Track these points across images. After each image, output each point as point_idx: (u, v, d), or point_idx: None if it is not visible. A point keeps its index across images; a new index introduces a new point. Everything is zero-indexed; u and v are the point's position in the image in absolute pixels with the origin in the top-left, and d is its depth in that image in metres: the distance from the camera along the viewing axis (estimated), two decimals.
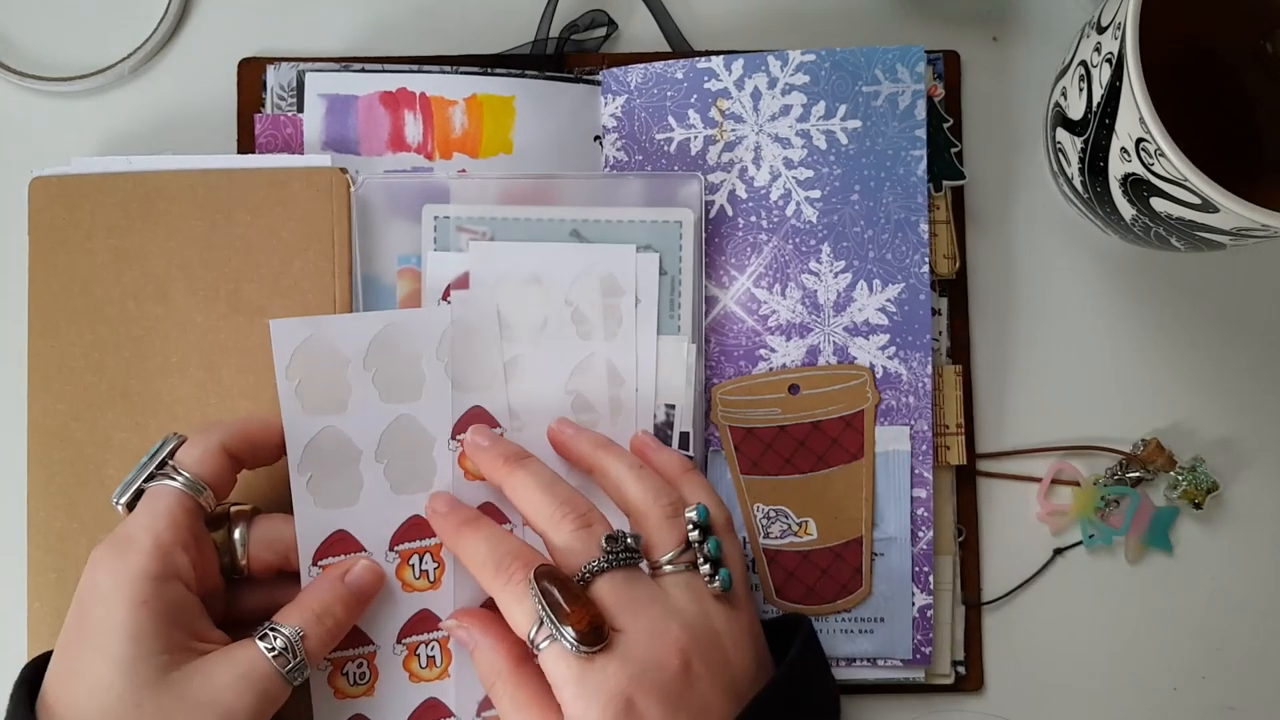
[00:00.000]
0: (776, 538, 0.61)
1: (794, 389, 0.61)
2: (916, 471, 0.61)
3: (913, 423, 0.61)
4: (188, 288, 0.59)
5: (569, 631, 0.49)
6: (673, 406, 0.60)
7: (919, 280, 0.61)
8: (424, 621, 0.57)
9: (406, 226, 0.60)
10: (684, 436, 0.60)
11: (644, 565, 0.53)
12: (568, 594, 0.50)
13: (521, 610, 0.51)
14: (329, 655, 0.56)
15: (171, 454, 0.53)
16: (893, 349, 0.61)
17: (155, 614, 0.49)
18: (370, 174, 0.60)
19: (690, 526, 0.53)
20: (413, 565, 0.57)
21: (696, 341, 0.60)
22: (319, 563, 0.56)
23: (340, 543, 0.56)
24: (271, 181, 0.60)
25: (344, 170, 0.60)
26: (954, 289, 0.63)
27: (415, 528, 0.57)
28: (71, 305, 0.59)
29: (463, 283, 0.59)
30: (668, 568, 0.53)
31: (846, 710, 0.62)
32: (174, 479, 0.52)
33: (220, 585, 0.54)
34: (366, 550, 0.56)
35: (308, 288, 0.59)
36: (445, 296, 0.59)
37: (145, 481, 0.53)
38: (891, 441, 0.61)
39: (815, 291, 0.62)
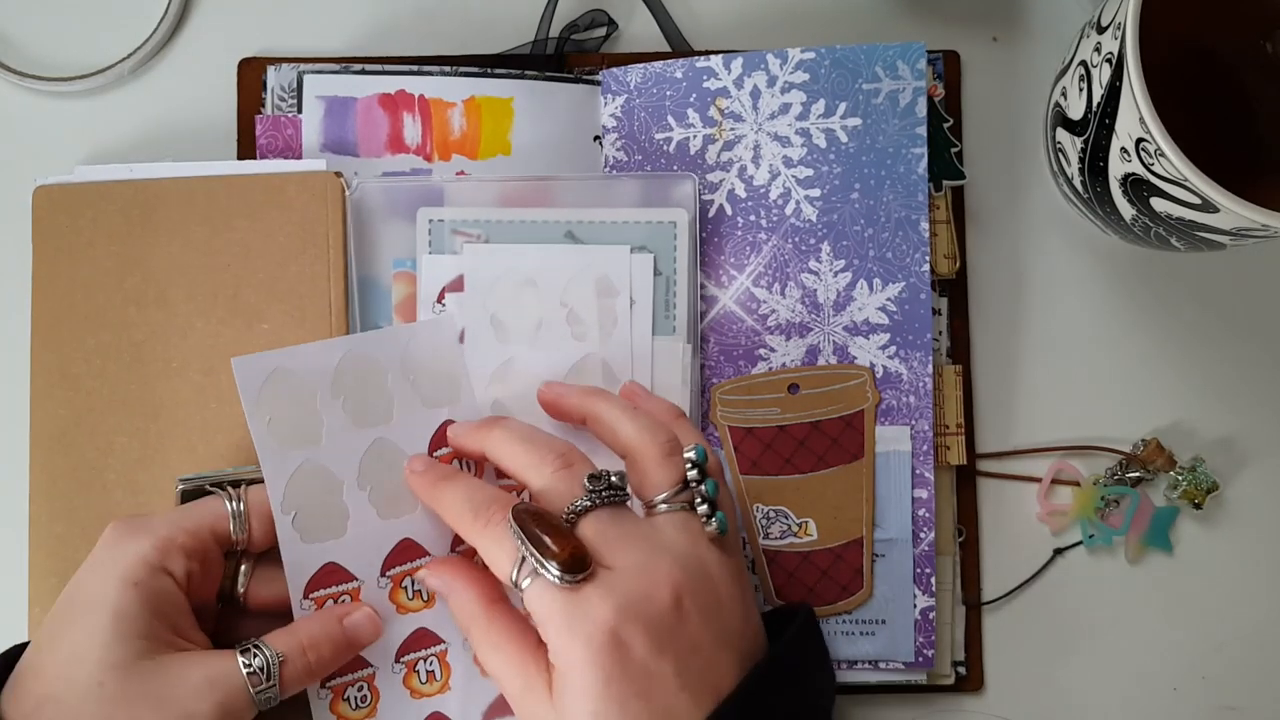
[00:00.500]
0: (776, 538, 0.60)
1: (794, 388, 0.61)
2: (917, 471, 0.61)
3: (913, 422, 0.61)
4: (187, 293, 0.60)
5: (551, 565, 0.48)
6: None
7: (919, 279, 0.61)
8: (421, 639, 0.56)
9: (402, 229, 0.60)
10: None
11: (634, 505, 0.52)
12: (548, 528, 0.49)
13: (502, 551, 0.50)
14: (328, 683, 0.55)
15: (250, 482, 0.54)
16: (893, 348, 0.61)
17: (142, 597, 0.49)
18: (365, 177, 0.60)
19: (689, 465, 0.52)
20: (405, 588, 0.56)
21: (692, 342, 0.60)
22: (310, 595, 0.55)
23: (331, 574, 0.55)
24: (268, 186, 0.60)
25: (339, 174, 0.60)
26: (954, 289, 0.63)
27: (406, 551, 0.56)
28: (74, 311, 0.59)
29: (458, 285, 0.59)
30: (662, 506, 0.52)
31: (846, 711, 0.62)
32: (230, 501, 0.53)
33: (212, 605, 0.54)
34: (358, 579, 0.55)
35: (304, 291, 0.59)
36: (440, 299, 0.59)
37: (211, 485, 0.53)
38: (892, 441, 0.61)
39: (815, 291, 0.61)
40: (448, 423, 0.57)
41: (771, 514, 0.60)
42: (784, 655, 0.51)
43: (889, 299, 0.61)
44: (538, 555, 0.48)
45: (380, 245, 0.60)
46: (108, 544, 0.51)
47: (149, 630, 0.49)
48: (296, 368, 0.55)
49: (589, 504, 0.50)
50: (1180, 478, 0.63)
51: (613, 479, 0.51)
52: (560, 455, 0.52)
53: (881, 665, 0.60)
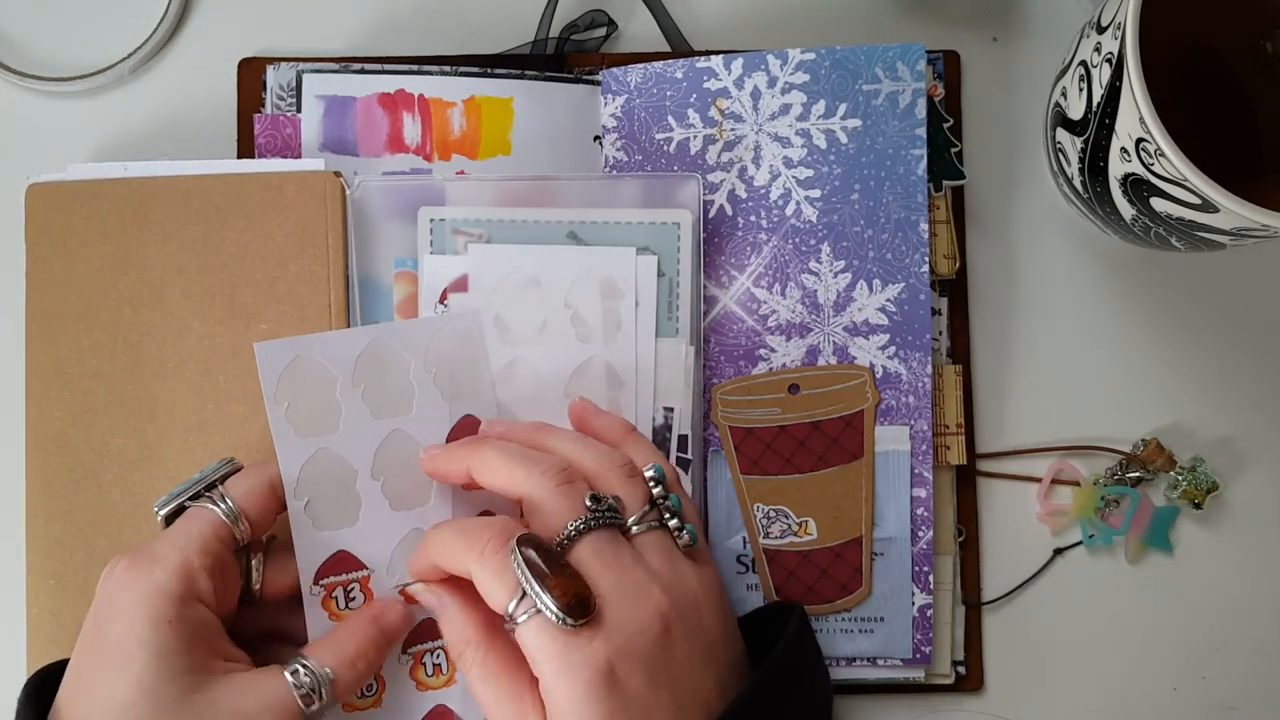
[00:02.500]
0: (776, 537, 0.61)
1: (794, 389, 0.61)
2: (916, 471, 0.61)
3: (912, 422, 0.61)
4: (184, 293, 0.59)
5: (553, 604, 0.47)
6: (671, 409, 0.60)
7: (919, 280, 0.61)
8: (428, 630, 0.56)
9: (402, 229, 0.60)
10: (682, 439, 0.60)
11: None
12: (552, 563, 0.48)
13: (501, 583, 0.49)
14: None
15: (222, 479, 0.53)
16: (892, 349, 0.61)
17: (180, 633, 0.49)
18: (365, 177, 0.60)
19: (652, 484, 0.52)
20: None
21: (695, 344, 0.60)
22: (320, 581, 0.55)
23: (341, 562, 0.55)
24: (266, 186, 0.60)
25: (338, 174, 0.60)
26: (954, 289, 0.63)
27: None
28: (69, 311, 0.59)
29: (460, 285, 0.59)
30: (635, 528, 0.51)
31: (846, 711, 0.62)
32: (217, 505, 0.52)
33: (234, 610, 0.53)
34: (369, 568, 0.55)
35: (303, 292, 0.59)
36: (442, 300, 0.59)
37: (189, 500, 0.52)
38: (891, 441, 0.61)
39: (815, 291, 0.62)
40: (467, 417, 0.57)
41: (772, 513, 0.61)
42: (777, 669, 0.51)
43: (888, 300, 0.61)
44: (541, 592, 0.47)
45: (380, 245, 0.60)
46: (123, 583, 0.49)
47: (193, 663, 0.49)
48: (318, 355, 0.55)
49: (589, 525, 0.50)
50: (1180, 478, 0.63)
51: (611, 501, 0.51)
52: (561, 470, 0.51)
53: (880, 662, 0.61)
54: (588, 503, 0.50)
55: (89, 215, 0.60)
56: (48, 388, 0.59)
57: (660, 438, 0.59)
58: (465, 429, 0.57)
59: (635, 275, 0.59)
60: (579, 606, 0.47)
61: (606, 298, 0.59)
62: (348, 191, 0.60)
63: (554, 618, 0.47)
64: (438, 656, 0.57)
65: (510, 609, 0.48)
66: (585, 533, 0.50)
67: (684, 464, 0.59)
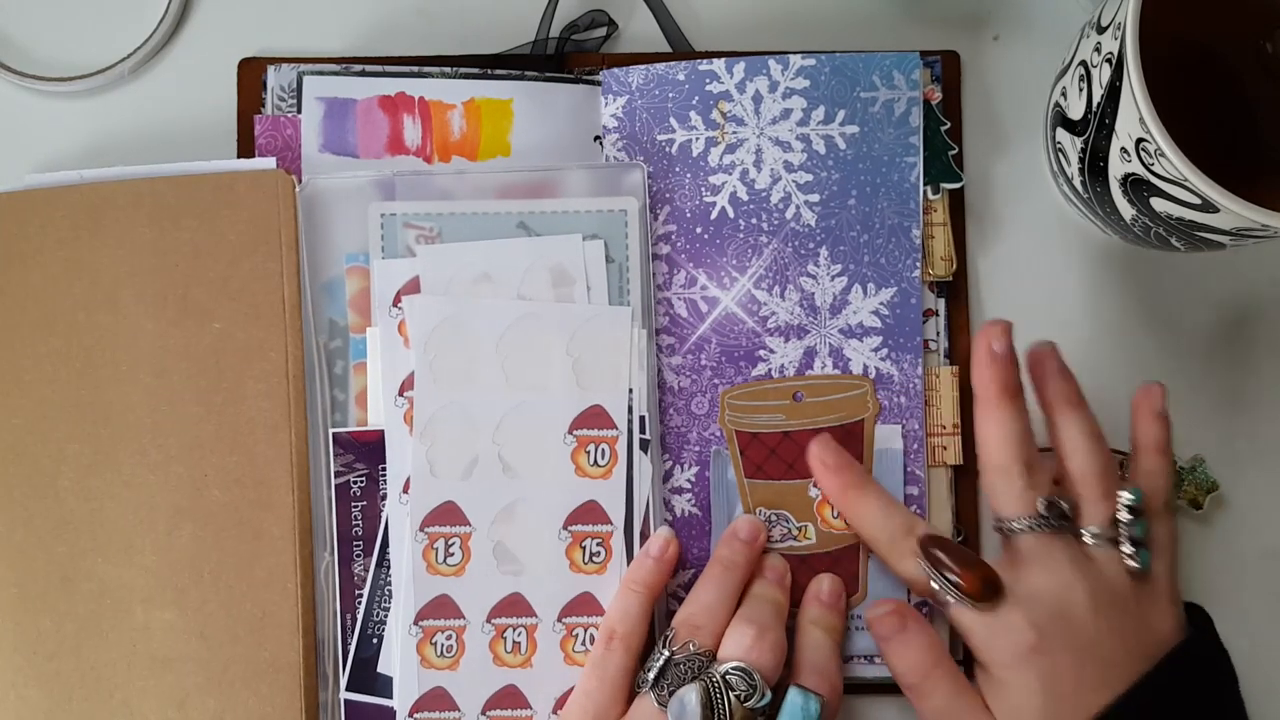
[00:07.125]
0: (776, 541, 0.61)
1: (798, 396, 0.61)
2: (909, 470, 0.61)
3: (904, 422, 0.61)
4: (137, 295, 0.59)
5: (964, 595, 0.53)
6: (630, 390, 0.60)
7: (910, 284, 0.62)
8: (512, 606, 0.58)
9: (354, 225, 0.60)
10: (642, 420, 0.60)
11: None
12: (958, 558, 0.54)
13: (918, 576, 0.55)
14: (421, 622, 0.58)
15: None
16: (885, 350, 0.61)
17: None
18: (312, 174, 0.61)
19: (1125, 510, 0.55)
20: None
21: (647, 326, 0.60)
22: (425, 529, 0.58)
23: (448, 514, 0.58)
24: (217, 186, 0.60)
25: (289, 172, 0.60)
26: (952, 290, 0.63)
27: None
28: (25, 319, 0.59)
29: (413, 287, 0.60)
30: (1090, 540, 0.55)
31: (847, 709, 0.62)
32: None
33: None
34: (471, 525, 0.58)
35: (256, 289, 0.59)
36: (396, 303, 0.60)
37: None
38: (885, 440, 0.61)
39: (813, 294, 0.62)
40: (594, 407, 0.59)
41: (773, 518, 0.61)
42: (1184, 654, 0.55)
43: (881, 303, 0.62)
44: (950, 585, 0.54)
45: (333, 241, 0.60)
46: None
47: None
48: (470, 319, 0.58)
49: (1035, 527, 0.54)
50: (1180, 478, 0.63)
51: (1064, 508, 0.55)
52: (1025, 464, 0.55)
53: (877, 660, 0.61)
54: (1040, 508, 0.54)
55: (43, 222, 0.60)
56: (4, 395, 0.59)
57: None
58: (591, 417, 0.59)
59: (584, 260, 0.60)
60: (986, 592, 0.53)
61: (558, 285, 0.60)
62: (297, 189, 0.60)
63: (966, 605, 0.53)
64: (518, 634, 0.58)
65: (933, 593, 0.55)
66: (1030, 531, 0.54)
67: (644, 445, 0.60)
